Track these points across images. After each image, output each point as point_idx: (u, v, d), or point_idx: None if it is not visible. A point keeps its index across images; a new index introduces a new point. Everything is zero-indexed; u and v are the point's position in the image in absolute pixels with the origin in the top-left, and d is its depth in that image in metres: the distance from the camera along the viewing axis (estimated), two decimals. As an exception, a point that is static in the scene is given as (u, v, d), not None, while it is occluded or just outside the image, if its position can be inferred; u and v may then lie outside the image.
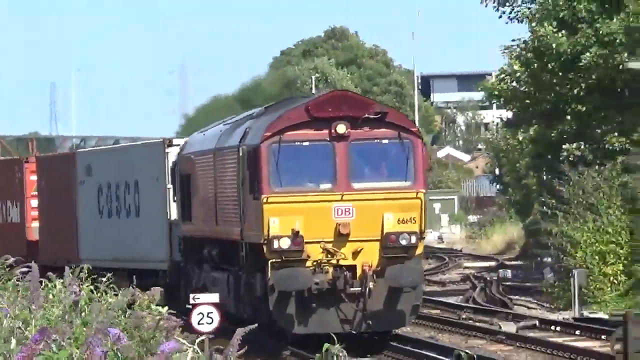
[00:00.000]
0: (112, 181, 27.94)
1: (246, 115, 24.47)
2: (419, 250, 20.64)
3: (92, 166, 29.26)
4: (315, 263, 20.06)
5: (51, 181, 30.89)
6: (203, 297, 21.99)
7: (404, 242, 20.03)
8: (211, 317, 20.84)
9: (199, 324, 19.56)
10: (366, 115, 20.33)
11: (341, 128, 20.09)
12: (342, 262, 20.07)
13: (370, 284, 19.79)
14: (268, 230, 19.83)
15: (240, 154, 21.45)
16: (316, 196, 20.28)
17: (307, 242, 19.91)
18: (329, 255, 20.03)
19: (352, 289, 19.92)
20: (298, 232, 19.75)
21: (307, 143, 20.47)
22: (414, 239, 20.07)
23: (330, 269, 20.05)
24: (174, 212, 25.64)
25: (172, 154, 25.82)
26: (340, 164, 20.32)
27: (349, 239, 20.09)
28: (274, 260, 19.84)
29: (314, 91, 63.22)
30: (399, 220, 20.13)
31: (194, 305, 20.43)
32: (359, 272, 19.99)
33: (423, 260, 21.57)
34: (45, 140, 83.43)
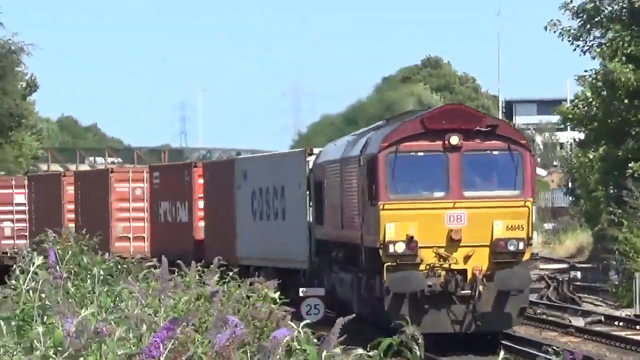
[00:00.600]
0: (263, 186, 29.26)
1: (371, 127, 25.38)
2: (526, 256, 21.07)
3: (247, 172, 30.74)
4: (428, 267, 20.58)
5: (215, 185, 32.57)
6: (310, 291, 24.63)
7: (512, 248, 20.52)
8: (318, 308, 23.27)
9: (307, 314, 21.52)
10: (478, 128, 20.85)
11: (454, 139, 20.66)
12: (453, 266, 20.58)
13: (480, 287, 20.27)
14: (384, 235, 20.42)
15: (361, 163, 22.32)
16: (430, 203, 20.86)
17: (421, 247, 20.45)
18: (442, 260, 20.58)
19: (462, 291, 20.50)
20: (412, 237, 20.31)
21: (421, 153, 21.06)
22: (521, 245, 20.57)
23: (443, 273, 20.56)
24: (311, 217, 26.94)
25: (312, 162, 27.16)
26: (452, 173, 20.84)
27: (460, 244, 20.59)
28: (389, 263, 20.43)
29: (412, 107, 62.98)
30: (507, 227, 20.57)
31: (303, 298, 23.33)
32: (469, 275, 20.54)
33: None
34: (175, 151, 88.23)
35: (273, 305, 8.05)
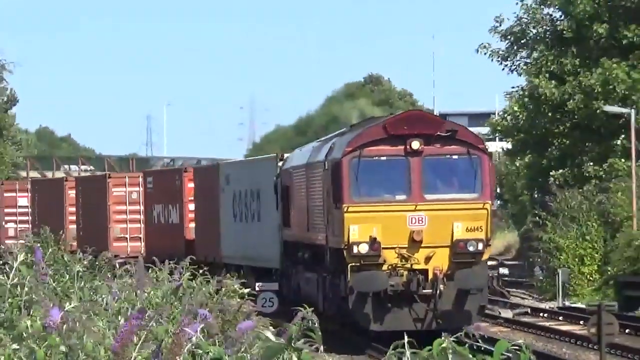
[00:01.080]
0: (242, 189, 30.61)
1: (335, 133, 25.98)
2: (485, 256, 21.50)
3: (230, 176, 32.22)
4: (390, 267, 20.94)
5: (202, 188, 34.28)
6: (265, 285, 26.60)
7: (471, 249, 20.96)
8: (272, 302, 25.08)
9: (262, 306, 23.12)
10: (438, 133, 21.24)
11: (415, 144, 21.02)
12: (415, 267, 20.96)
13: (441, 287, 20.69)
14: (348, 237, 20.78)
15: (326, 168, 22.85)
16: (392, 206, 21.19)
17: (383, 248, 20.82)
18: (404, 260, 20.94)
19: (424, 290, 20.85)
20: (375, 238, 20.67)
21: (384, 158, 21.40)
22: (480, 246, 21.04)
23: (405, 273, 20.92)
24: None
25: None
26: (414, 177, 21.20)
27: (422, 245, 20.94)
28: (353, 264, 20.79)
29: (353, 121, 70.98)
30: (467, 228, 20.99)
31: (259, 292, 25.10)
32: (430, 275, 20.91)
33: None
34: (142, 160, 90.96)
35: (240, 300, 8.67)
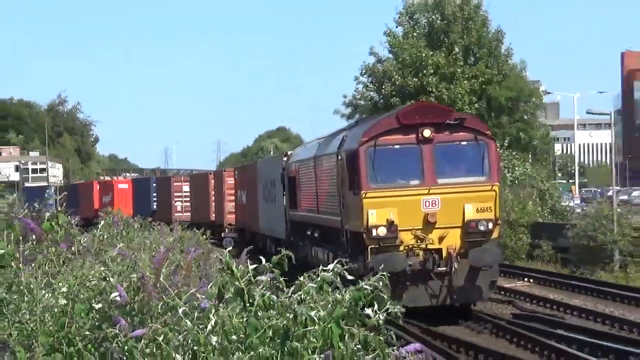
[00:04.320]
0: (267, 180, 38.02)
1: (338, 130, 27.95)
2: (495, 235, 21.95)
3: (261, 170, 40.45)
4: (407, 247, 21.53)
5: (245, 180, 45.22)
6: (228, 234, 45.87)
7: (482, 228, 21.51)
8: (230, 242, 38.81)
9: (225, 245, 33.39)
10: (447, 121, 21.86)
11: (427, 132, 21.63)
12: (430, 246, 21.51)
13: (455, 264, 21.32)
14: (367, 221, 21.36)
15: (340, 158, 23.64)
16: (407, 191, 21.74)
17: (400, 230, 21.37)
18: (419, 241, 21.50)
19: (439, 268, 21.46)
20: (393, 221, 21.24)
21: (397, 146, 21.95)
22: (490, 225, 21.58)
23: (421, 252, 21.50)
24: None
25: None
26: (426, 163, 21.79)
27: (436, 226, 21.49)
28: (372, 246, 21.35)
29: (271, 153, 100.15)
30: (477, 209, 21.59)
31: (224, 237, 43.20)
32: (444, 254, 21.51)
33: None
34: (162, 170, 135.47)
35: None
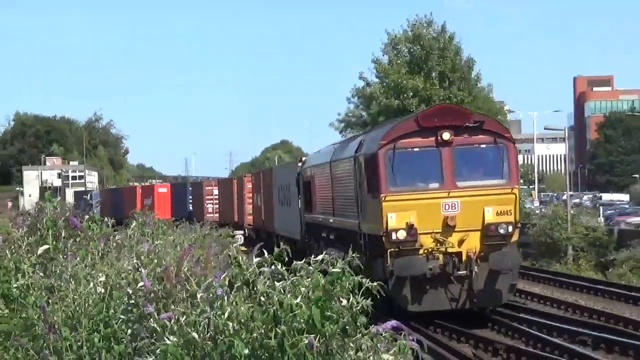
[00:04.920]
0: (282, 184, 39.62)
1: (353, 136, 28.66)
2: (514, 238, 21.59)
3: (277, 175, 42.41)
4: (426, 251, 21.17)
5: (262, 185, 46.48)
6: (237, 232, 47.52)
7: (502, 231, 21.18)
8: (240, 238, 43.86)
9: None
10: (466, 124, 21.54)
11: (446, 135, 21.31)
12: (449, 250, 21.16)
13: (475, 268, 21.00)
14: (386, 224, 21.07)
15: (358, 161, 23.36)
16: (427, 194, 21.39)
17: (420, 233, 21.04)
18: (439, 244, 21.16)
19: (459, 272, 21.14)
20: (413, 225, 20.93)
21: (417, 149, 21.59)
22: (510, 228, 21.23)
23: (440, 256, 21.16)
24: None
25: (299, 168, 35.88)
26: (446, 166, 21.43)
27: (455, 229, 21.15)
28: (392, 249, 21.04)
29: (276, 163, 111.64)
30: (497, 212, 21.21)
31: (233, 235, 43.41)
32: (464, 257, 21.18)
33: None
34: (182, 177, 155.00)
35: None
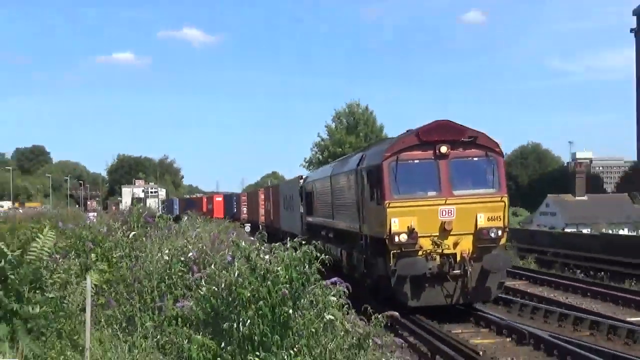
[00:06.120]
0: (287, 195, 52.22)
1: (350, 155, 33.72)
2: (503, 241, 23.39)
3: (282, 189, 56.70)
4: (425, 252, 22.83)
5: (273, 197, 62.28)
6: (247, 225, 73.03)
7: (492, 235, 22.93)
8: (247, 227, 67.52)
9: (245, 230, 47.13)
10: (462, 139, 23.37)
11: (444, 149, 23.08)
12: (446, 251, 22.87)
13: (469, 267, 22.72)
14: (390, 228, 22.73)
15: (361, 173, 25.55)
16: (426, 201, 23.07)
17: (420, 236, 22.78)
18: (436, 246, 22.88)
19: (454, 271, 22.89)
20: (414, 229, 22.66)
21: (417, 161, 23.33)
22: (500, 232, 23.04)
23: (437, 257, 22.85)
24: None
25: (301, 182, 45.40)
26: (443, 176, 23.16)
27: (451, 233, 22.90)
28: (394, 251, 22.75)
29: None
30: (488, 218, 22.99)
31: (243, 225, 68.31)
32: (458, 258, 22.95)
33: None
34: (214, 192, 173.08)
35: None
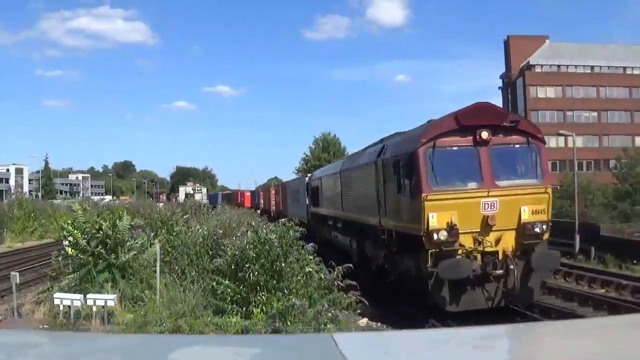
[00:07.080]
0: (294, 189, 60.78)
1: (362, 150, 32.11)
2: (546, 237, 21.04)
3: (290, 185, 66.08)
4: (465, 251, 20.36)
5: (282, 192, 73.87)
6: (258, 211, 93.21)
7: (537, 230, 20.56)
8: (257, 212, 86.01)
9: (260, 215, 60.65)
10: (503, 124, 20.93)
11: (485, 134, 20.55)
12: (487, 249, 20.42)
13: (512, 267, 20.41)
14: (427, 224, 20.11)
15: (381, 165, 23.50)
16: (468, 193, 20.48)
17: (460, 233, 20.26)
18: (477, 244, 20.43)
19: (496, 271, 20.50)
20: (455, 225, 20.05)
21: (456, 147, 20.68)
22: (545, 227, 20.72)
23: (479, 256, 20.45)
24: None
25: (307, 179, 52.62)
26: (484, 165, 20.60)
27: (493, 229, 20.43)
28: (432, 250, 20.11)
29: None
30: (532, 211, 20.62)
31: (254, 209, 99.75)
32: (500, 256, 20.56)
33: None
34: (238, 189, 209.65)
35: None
